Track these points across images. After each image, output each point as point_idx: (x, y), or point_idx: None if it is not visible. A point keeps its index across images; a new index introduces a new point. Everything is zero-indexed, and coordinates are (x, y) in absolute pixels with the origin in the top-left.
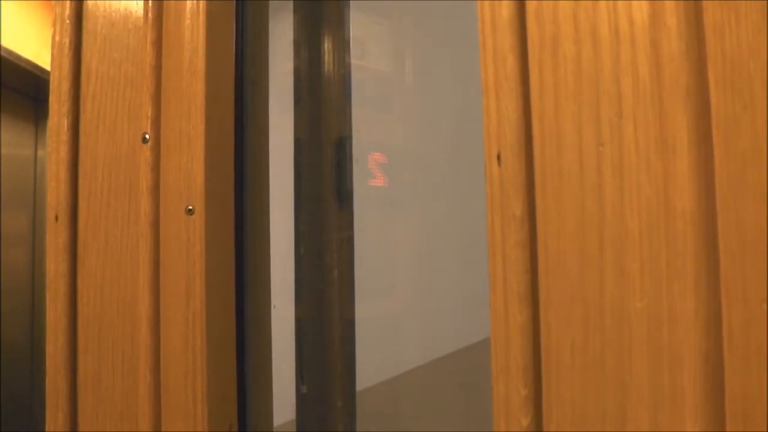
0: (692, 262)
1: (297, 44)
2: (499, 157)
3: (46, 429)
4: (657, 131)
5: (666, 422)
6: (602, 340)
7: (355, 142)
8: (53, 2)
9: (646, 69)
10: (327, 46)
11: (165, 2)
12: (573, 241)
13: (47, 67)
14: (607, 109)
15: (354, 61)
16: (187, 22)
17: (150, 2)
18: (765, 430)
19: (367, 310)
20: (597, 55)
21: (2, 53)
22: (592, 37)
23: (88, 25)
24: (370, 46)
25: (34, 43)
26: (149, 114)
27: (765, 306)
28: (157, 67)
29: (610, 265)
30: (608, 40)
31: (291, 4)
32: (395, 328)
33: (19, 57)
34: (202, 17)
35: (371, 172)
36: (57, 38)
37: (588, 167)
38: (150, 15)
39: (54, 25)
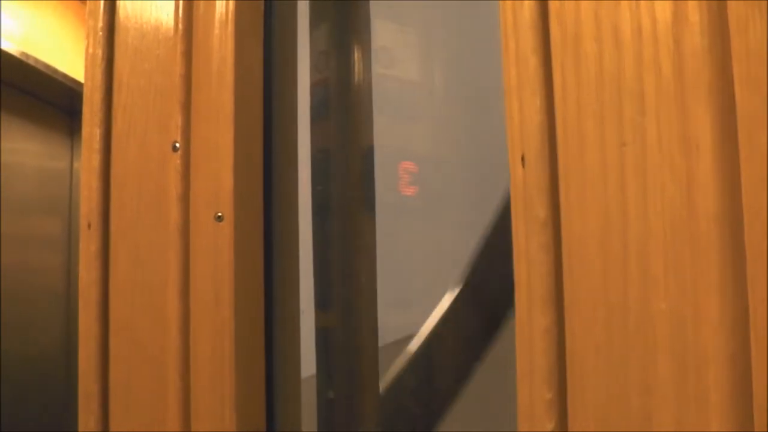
0: (717, 263)
1: (322, 54)
2: (523, 159)
3: (78, 430)
4: (680, 129)
5: (691, 425)
6: (626, 342)
7: (384, 151)
8: (86, 15)
9: (669, 66)
10: (353, 55)
11: (195, 14)
12: (596, 243)
13: (82, 79)
14: (630, 108)
15: (381, 70)
16: (216, 32)
17: (180, 14)
18: None
19: (395, 320)
20: (619, 53)
21: (39, 67)
22: (614, 36)
23: (119, 37)
24: (397, 54)
25: (69, 57)
26: (179, 123)
27: None
28: (187, 77)
29: (634, 267)
30: (630, 38)
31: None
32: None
33: (55, 70)
34: (230, 28)
35: (402, 182)
36: (90, 50)
37: (611, 167)
38: (180, 26)
39: (87, 37)
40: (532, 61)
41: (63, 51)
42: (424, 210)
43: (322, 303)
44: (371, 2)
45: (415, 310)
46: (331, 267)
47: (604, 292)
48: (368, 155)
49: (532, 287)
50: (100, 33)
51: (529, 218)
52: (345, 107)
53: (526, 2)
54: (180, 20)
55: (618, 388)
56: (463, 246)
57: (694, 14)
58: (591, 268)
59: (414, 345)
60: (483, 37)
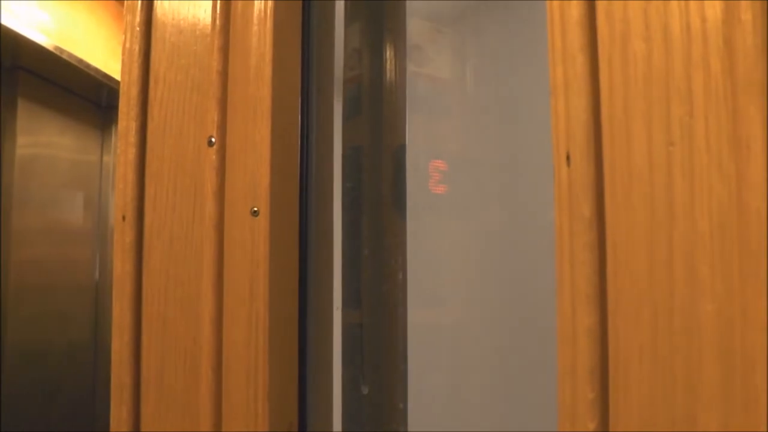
0: (767, 264)
1: (355, 51)
2: (568, 158)
3: (111, 422)
4: (730, 129)
5: (738, 426)
6: (671, 343)
7: (415, 149)
8: (124, 10)
9: (719, 66)
10: (387, 53)
11: (232, 10)
12: (642, 243)
13: (114, 75)
14: (678, 108)
15: (414, 68)
16: (255, 28)
17: (218, 10)
18: None
19: (427, 317)
20: (668, 52)
21: (72, 61)
22: (663, 35)
23: (157, 32)
24: (430, 53)
25: (101, 52)
26: (215, 118)
27: None
28: (224, 73)
29: (680, 267)
30: (679, 37)
31: (347, 11)
32: (452, 337)
33: (87, 65)
34: (269, 24)
35: (432, 180)
36: (127, 45)
37: (658, 167)
38: (218, 22)
39: (125, 32)
40: (579, 60)
41: (95, 46)
42: (453, 209)
43: (351, 300)
44: (407, 1)
45: (445, 308)
46: (360, 264)
47: (649, 293)
48: (400, 153)
49: (576, 286)
50: (138, 28)
51: (573, 217)
52: (378, 105)
53: (574, 0)
54: (218, 17)
55: (662, 389)
56: (491, 245)
57: (747, 13)
58: (636, 268)
59: None
60: (517, 38)
